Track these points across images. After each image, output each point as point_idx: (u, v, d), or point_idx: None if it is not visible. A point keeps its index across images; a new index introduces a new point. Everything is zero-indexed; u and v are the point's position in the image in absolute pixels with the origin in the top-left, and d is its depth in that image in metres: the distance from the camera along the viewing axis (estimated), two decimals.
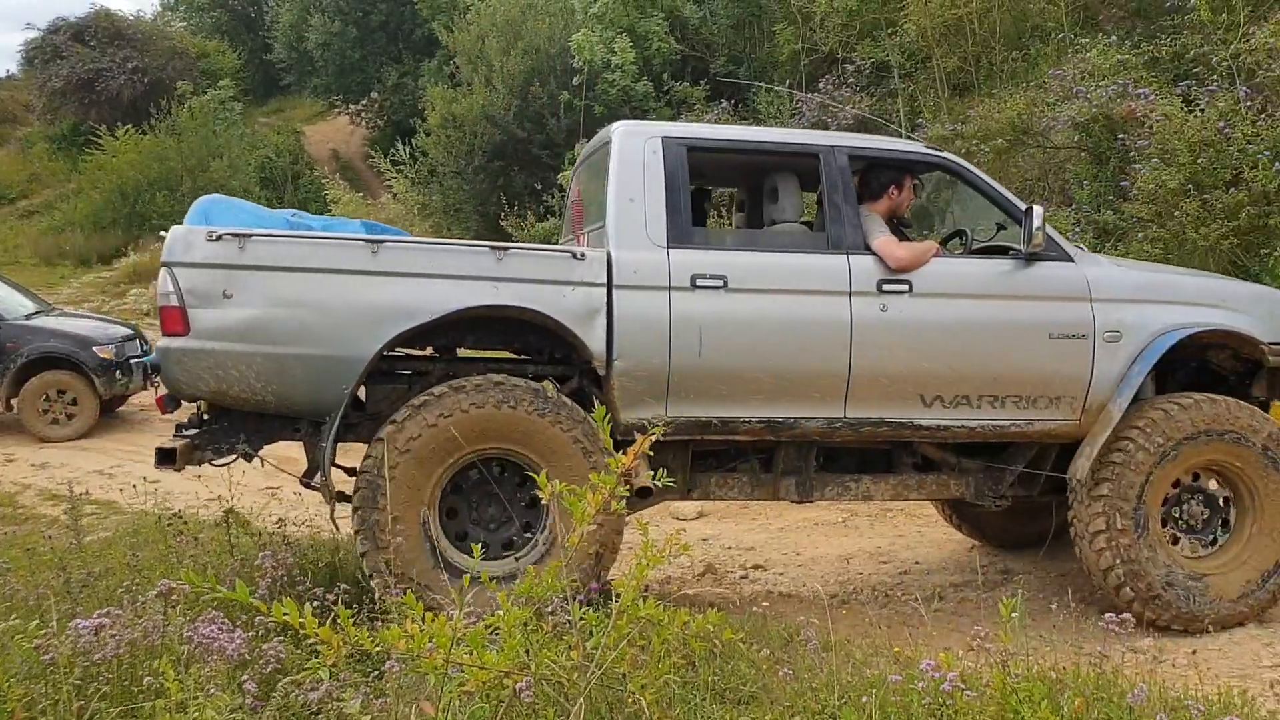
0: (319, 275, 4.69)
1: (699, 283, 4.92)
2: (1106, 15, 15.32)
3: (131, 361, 12.35)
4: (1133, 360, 5.22)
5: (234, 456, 5.01)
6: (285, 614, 2.78)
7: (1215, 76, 12.60)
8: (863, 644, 4.43)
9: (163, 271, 4.65)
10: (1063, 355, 5.20)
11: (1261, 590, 5.23)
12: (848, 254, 5.12)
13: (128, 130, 25.66)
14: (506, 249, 4.88)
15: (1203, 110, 12.10)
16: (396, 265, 4.74)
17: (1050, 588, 5.93)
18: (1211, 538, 5.42)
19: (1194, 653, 4.61)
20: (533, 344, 5.16)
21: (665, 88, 19.92)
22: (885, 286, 5.07)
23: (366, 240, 4.83)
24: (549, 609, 3.32)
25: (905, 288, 5.09)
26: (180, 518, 5.96)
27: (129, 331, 13.12)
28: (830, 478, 5.48)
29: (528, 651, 3.00)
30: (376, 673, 3.46)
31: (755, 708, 3.41)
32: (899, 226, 5.64)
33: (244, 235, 4.65)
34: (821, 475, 5.46)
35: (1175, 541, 5.35)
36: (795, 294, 5.03)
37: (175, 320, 4.61)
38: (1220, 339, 5.49)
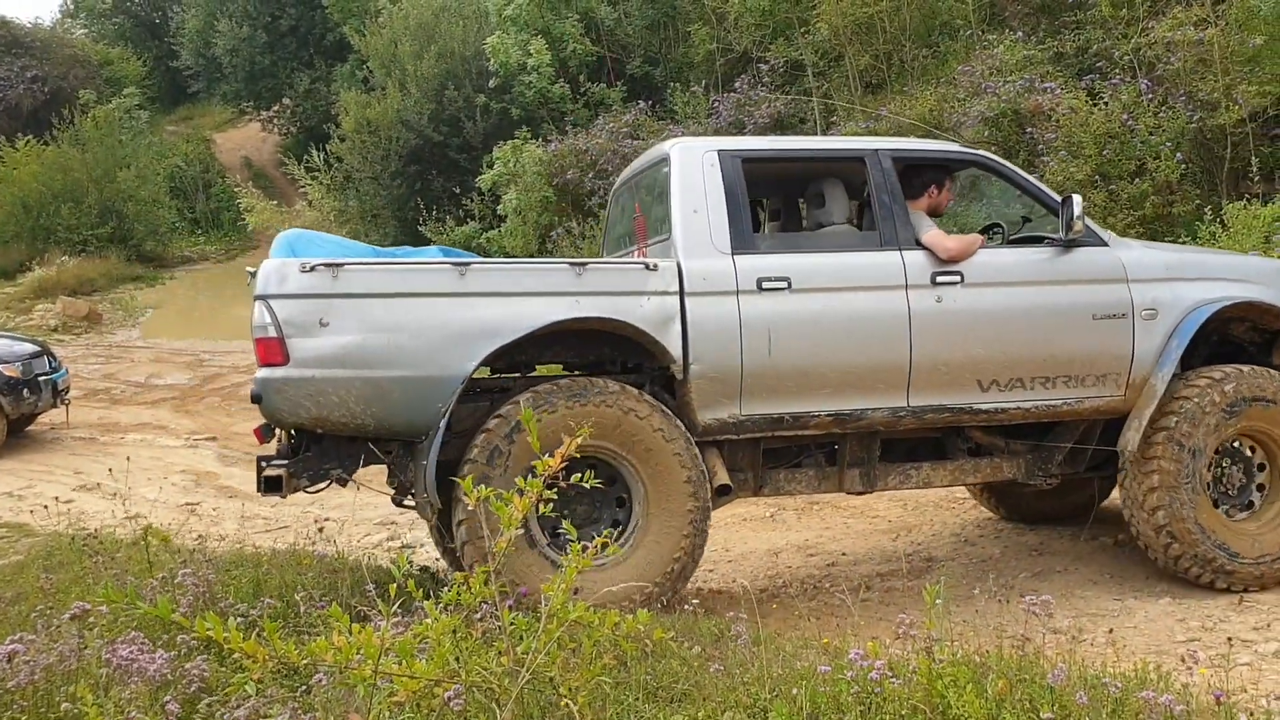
0: (411, 299, 4.84)
1: (765, 285, 5.12)
2: (1012, 12, 15.65)
3: (40, 379, 11.98)
4: (1170, 335, 5.49)
5: (328, 482, 5.10)
6: (209, 629, 2.73)
7: (1117, 70, 12.97)
8: (792, 637, 4.47)
9: (258, 305, 4.73)
10: (1106, 335, 5.46)
11: None
12: (900, 250, 5.33)
13: (28, 141, 24.93)
14: (585, 264, 5.05)
15: (1106, 103, 12.44)
16: (483, 286, 4.91)
17: (973, 573, 6.05)
18: (1248, 501, 5.66)
19: (1111, 631, 4.73)
20: (605, 356, 5.32)
21: (582, 89, 19.91)
22: (939, 279, 5.30)
23: (453, 263, 4.98)
24: (478, 616, 3.30)
25: (957, 279, 5.31)
26: (96, 537, 5.81)
27: (36, 348, 12.68)
28: (891, 467, 5.65)
29: (457, 659, 2.98)
30: (305, 687, 3.40)
31: (688, 705, 3.42)
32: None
33: (337, 265, 4.77)
34: (884, 465, 5.62)
35: (1216, 505, 5.57)
36: (855, 291, 5.24)
37: (274, 351, 4.70)
38: (1244, 311, 5.76)
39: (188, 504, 8.72)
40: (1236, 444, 5.63)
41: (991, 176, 6.00)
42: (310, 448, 5.06)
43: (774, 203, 6.40)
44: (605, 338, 5.15)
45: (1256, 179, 11.43)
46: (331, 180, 23.08)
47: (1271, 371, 5.63)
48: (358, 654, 2.82)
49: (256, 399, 4.83)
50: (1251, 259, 6.51)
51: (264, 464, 5.14)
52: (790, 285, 5.13)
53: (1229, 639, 3.76)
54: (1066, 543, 6.58)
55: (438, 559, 7.04)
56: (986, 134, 12.52)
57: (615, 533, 4.98)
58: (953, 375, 5.29)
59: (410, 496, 5.28)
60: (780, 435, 5.32)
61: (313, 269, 4.74)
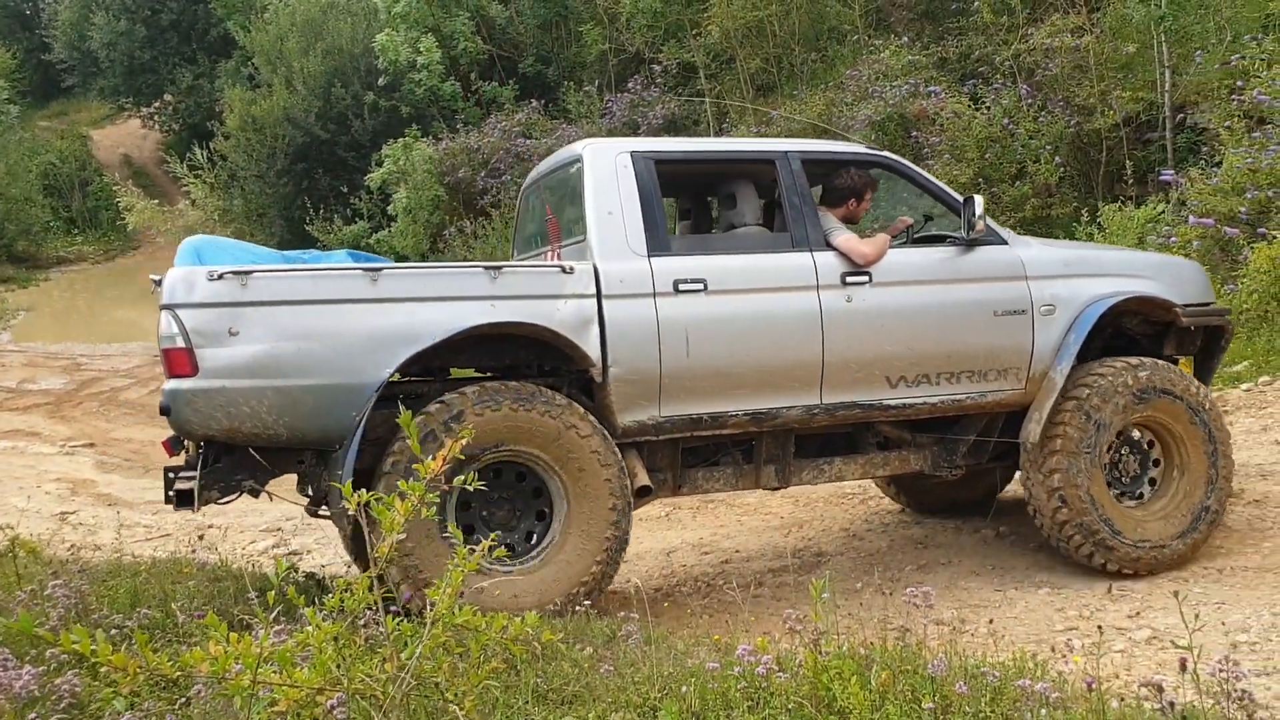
0: (322, 306, 4.73)
1: (681, 287, 5.14)
2: (898, 18, 15.98)
3: None
4: (1068, 330, 5.68)
5: (239, 493, 4.95)
6: (75, 642, 2.61)
7: (999, 75, 13.35)
8: (684, 635, 4.49)
9: (164, 315, 4.58)
10: (1007, 330, 5.61)
11: (1189, 536, 5.65)
12: (811, 251, 5.40)
13: None
14: (500, 268, 4.97)
15: (988, 108, 12.80)
16: (396, 291, 4.82)
17: (861, 567, 6.15)
18: (1138, 492, 5.86)
19: (991, 622, 4.85)
20: (521, 359, 5.26)
21: (474, 87, 19.75)
22: (849, 279, 5.39)
23: (365, 269, 4.89)
24: (362, 622, 3.23)
25: (866, 279, 5.42)
26: None
27: None
28: (806, 463, 5.73)
29: (339, 666, 2.91)
30: (184, 699, 3.29)
31: (578, 706, 3.40)
32: None
33: (245, 272, 4.66)
34: (798, 461, 5.70)
35: (1109, 488, 5.74)
36: (769, 292, 5.30)
37: (182, 362, 4.57)
38: (1137, 305, 5.96)
39: (62, 513, 8.39)
40: (1136, 435, 5.84)
41: (895, 177, 6.11)
42: (221, 459, 4.92)
43: (684, 203, 6.43)
44: (521, 341, 5.12)
45: (1130, 182, 11.87)
46: (216, 179, 22.50)
47: (1167, 364, 5.86)
48: (236, 664, 2.74)
49: (166, 411, 4.68)
50: (1143, 254, 6.78)
51: (171, 476, 5.01)
52: (706, 287, 5.17)
53: (1099, 627, 3.88)
54: (951, 535, 6.74)
55: (324, 565, 6.91)
56: (874, 138, 12.75)
57: (539, 535, 5.00)
58: (863, 373, 5.40)
59: (325, 506, 5.18)
60: (699, 435, 5.36)
61: (221, 277, 4.60)
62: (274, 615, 4.05)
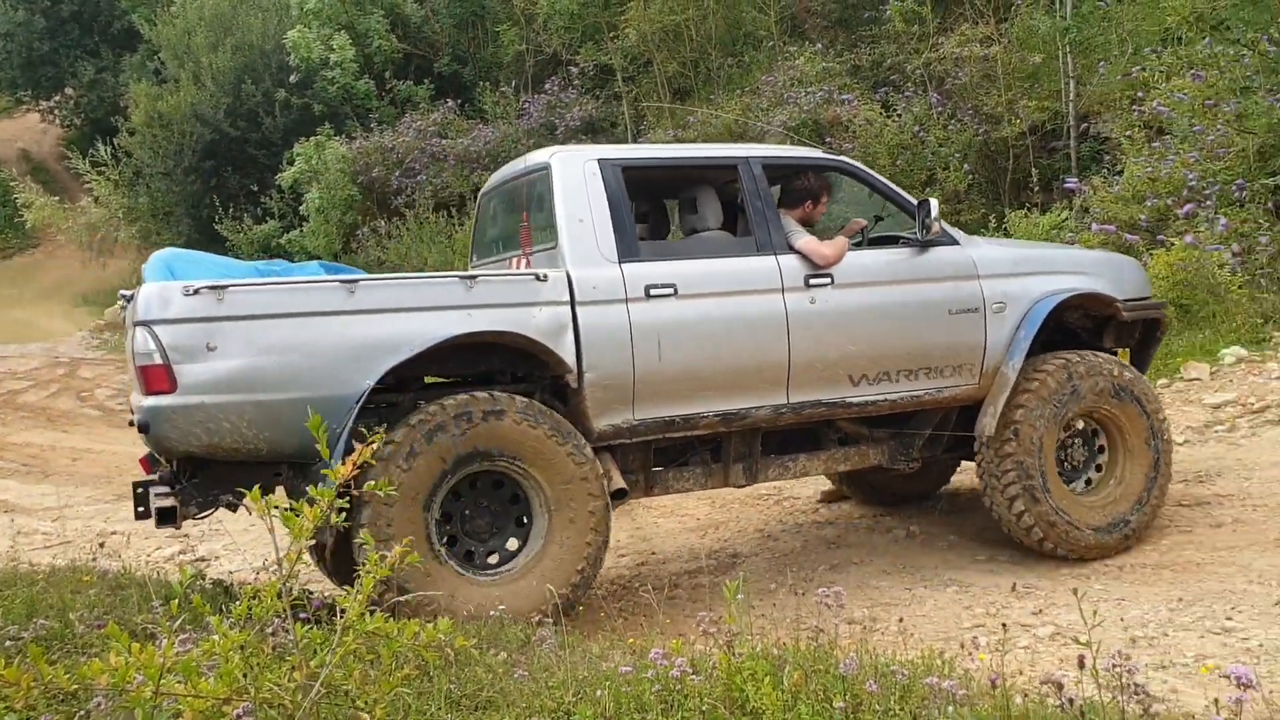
0: (301, 319, 4.71)
1: (653, 292, 5.20)
2: (812, 25, 16.19)
3: None
4: (1018, 326, 5.88)
5: (216, 508, 4.89)
6: None
7: (910, 84, 13.60)
8: (600, 639, 4.48)
9: (139, 331, 4.52)
10: (962, 328, 5.79)
11: (1130, 523, 5.88)
12: (775, 255, 5.50)
13: None
14: (475, 277, 4.99)
15: (900, 115, 13.04)
16: (374, 302, 4.82)
17: (775, 568, 6.20)
18: (1088, 479, 6.09)
19: (901, 620, 4.93)
20: (495, 366, 5.26)
21: (388, 86, 19.53)
22: (812, 281, 5.51)
23: (343, 281, 4.88)
24: (270, 630, 3.17)
25: (828, 280, 5.54)
26: None
27: None
28: (772, 460, 5.84)
29: (246, 675, 2.84)
30: (83, 713, 3.19)
31: (492, 712, 3.37)
32: None
33: (222, 287, 4.61)
34: (764, 459, 5.80)
35: (1060, 474, 5.94)
36: (737, 295, 5.38)
37: (160, 378, 4.51)
38: (1079, 301, 6.16)
39: None
40: (1081, 425, 6.05)
41: (852, 180, 6.29)
42: (197, 474, 4.84)
43: (641, 207, 6.48)
44: (495, 348, 5.13)
45: (1036, 189, 12.19)
46: (120, 176, 21.91)
47: (1111, 357, 6.12)
48: (137, 675, 2.66)
49: (144, 428, 4.60)
50: (1084, 251, 7.09)
51: (140, 490, 4.96)
52: (677, 291, 5.25)
53: (1003, 625, 3.97)
54: (863, 535, 6.84)
55: (232, 572, 6.76)
56: (789, 143, 12.91)
57: (520, 544, 5.03)
58: (828, 372, 5.52)
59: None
60: (670, 437, 5.44)
61: (197, 291, 4.56)
62: (180, 624, 3.96)
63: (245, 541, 7.35)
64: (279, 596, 2.99)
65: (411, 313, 4.85)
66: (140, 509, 4.96)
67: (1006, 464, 5.74)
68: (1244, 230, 9.42)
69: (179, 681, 2.74)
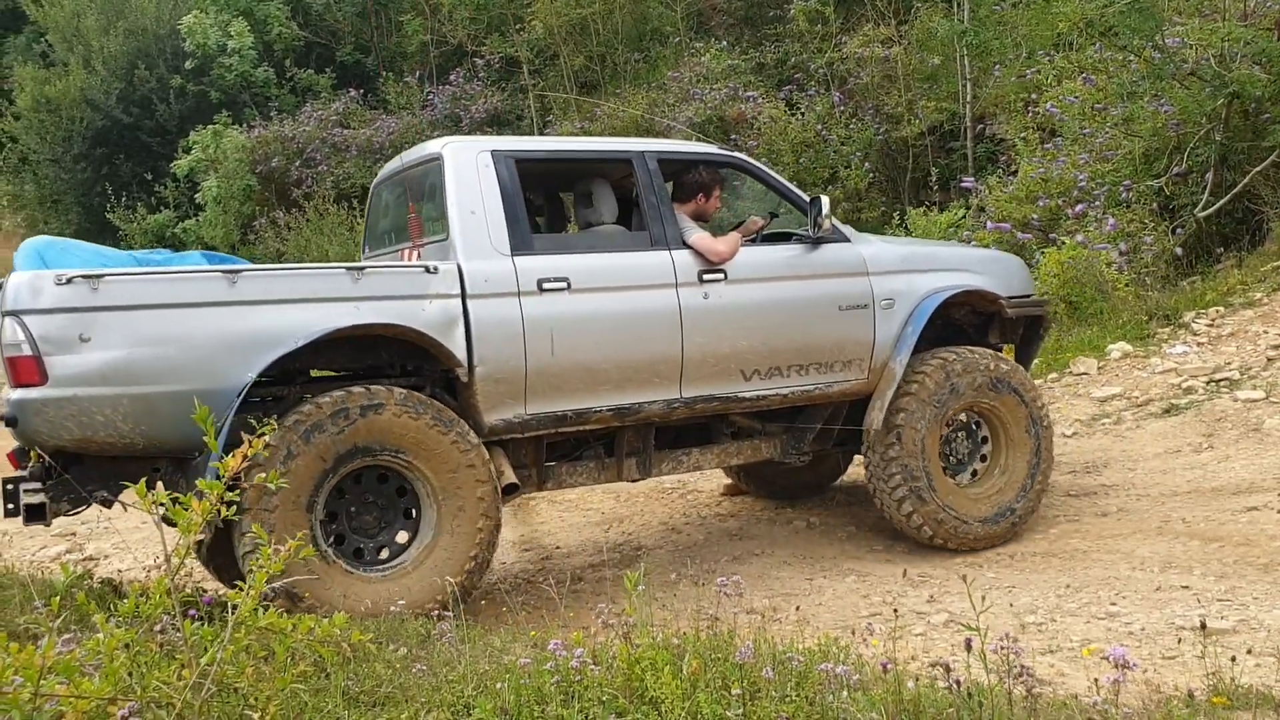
0: (180, 310, 4.57)
1: (545, 286, 5.17)
2: (718, 22, 16.32)
3: None
4: (905, 323, 5.98)
5: (89, 505, 4.70)
6: None
7: (813, 83, 13.80)
8: (503, 632, 4.46)
9: (8, 321, 4.37)
10: (851, 324, 5.88)
11: (1016, 510, 6.07)
12: (669, 250, 5.52)
13: None
14: (362, 269, 4.91)
15: (803, 114, 13.22)
16: (257, 293, 4.70)
17: (678, 560, 6.24)
18: (972, 471, 6.24)
19: (798, 609, 5.00)
20: (382, 359, 5.18)
21: (289, 74, 19.14)
22: (705, 276, 5.54)
23: (224, 271, 4.74)
24: (159, 628, 3.09)
25: (721, 276, 5.58)
26: None
27: None
28: (665, 454, 5.88)
29: (132, 674, 2.77)
30: None
31: (390, 708, 3.33)
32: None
33: (96, 276, 4.45)
34: (658, 453, 5.83)
35: (945, 471, 6.09)
36: (630, 290, 5.40)
37: (30, 370, 4.37)
38: (966, 298, 6.29)
39: None
40: (964, 418, 6.20)
41: (745, 176, 6.34)
42: (68, 469, 4.66)
43: (535, 199, 6.44)
44: (384, 341, 5.06)
45: (935, 188, 12.48)
46: (4, 162, 21.09)
47: (995, 353, 6.29)
48: (16, 676, 2.57)
49: (11, 422, 4.44)
50: (971, 250, 7.28)
51: (11, 488, 4.75)
52: (570, 285, 5.23)
53: (895, 610, 4.06)
54: (765, 527, 6.92)
55: (120, 571, 6.58)
56: (694, 139, 12.98)
57: (409, 538, 4.96)
58: (720, 366, 5.56)
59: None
60: (563, 431, 5.43)
61: (69, 281, 4.41)
62: (65, 623, 3.84)
63: (135, 540, 7.15)
64: (168, 593, 2.91)
65: (296, 304, 4.75)
66: (9, 506, 4.76)
67: (892, 467, 5.85)
68: (1130, 230, 9.76)
69: (61, 683, 2.66)
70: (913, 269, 6.15)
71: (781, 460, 6.28)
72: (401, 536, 4.98)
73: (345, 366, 5.22)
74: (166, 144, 18.54)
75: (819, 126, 12.90)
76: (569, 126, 15.00)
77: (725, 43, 15.21)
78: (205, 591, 4.76)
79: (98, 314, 4.43)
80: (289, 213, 16.05)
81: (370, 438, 4.74)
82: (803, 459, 6.32)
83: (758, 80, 14.44)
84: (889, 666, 2.98)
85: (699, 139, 12.89)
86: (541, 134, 16.08)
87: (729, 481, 7.70)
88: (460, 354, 4.99)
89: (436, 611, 4.24)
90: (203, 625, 2.97)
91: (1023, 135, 11.32)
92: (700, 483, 7.99)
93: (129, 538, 7.18)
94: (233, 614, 2.88)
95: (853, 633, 3.88)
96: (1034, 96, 11.43)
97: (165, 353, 4.52)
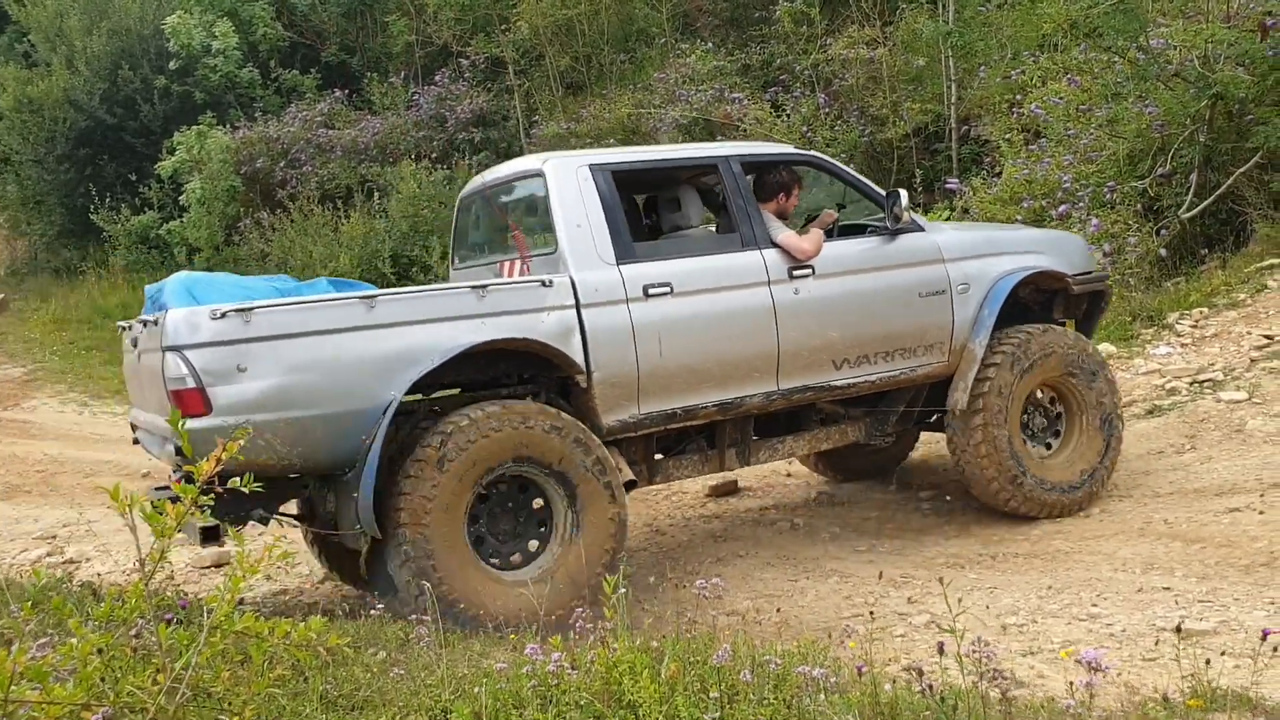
0: (325, 336, 4.82)
1: (650, 292, 5.42)
2: (704, 23, 16.30)
3: None
4: (981, 305, 6.27)
5: (248, 523, 4.92)
6: None
7: (799, 84, 13.80)
8: (481, 636, 4.45)
9: (171, 356, 4.61)
10: (931, 310, 6.16)
11: (1090, 481, 6.37)
12: (760, 249, 5.75)
13: None
14: (485, 286, 5.12)
15: (789, 115, 13.21)
16: (392, 316, 4.94)
17: (663, 561, 6.24)
18: (1048, 443, 6.53)
19: (779, 611, 5.01)
20: (501, 370, 5.42)
21: (273, 75, 19.06)
22: (795, 273, 5.79)
23: (362, 297, 4.99)
24: (134, 632, 3.07)
25: (810, 272, 5.82)
26: None
27: None
28: (761, 443, 6.15)
29: (105, 679, 2.75)
30: None
31: (369, 712, 3.32)
32: None
33: (248, 309, 4.71)
34: (755, 443, 6.10)
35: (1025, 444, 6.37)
36: (728, 290, 5.63)
37: (195, 401, 4.60)
38: (1034, 278, 6.54)
39: None
40: (1040, 394, 6.44)
41: (822, 174, 6.58)
42: (226, 490, 4.71)
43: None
44: (504, 353, 5.27)
45: (920, 189, 12.46)
46: None
47: (1065, 329, 6.58)
48: None
49: (179, 453, 4.47)
50: (1036, 232, 7.59)
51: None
52: (673, 289, 5.46)
53: (870, 612, 4.06)
54: (749, 529, 6.92)
55: (100, 574, 6.54)
56: (680, 140, 12.97)
57: (541, 544, 5.16)
58: (813, 358, 5.82)
59: (332, 528, 5.21)
60: (672, 428, 5.66)
61: (224, 315, 4.66)
62: (42, 628, 3.81)
63: (117, 543, 7.11)
64: (144, 597, 2.89)
65: (430, 324, 4.99)
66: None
67: (976, 434, 6.13)
68: (1114, 231, 9.78)
69: (33, 688, 2.63)
70: (985, 253, 6.43)
71: (866, 442, 6.55)
72: (532, 544, 5.17)
73: (468, 380, 5.41)
74: (150, 145, 18.43)
75: (804, 128, 12.89)
76: (555, 127, 14.98)
77: (711, 44, 15.20)
78: (185, 595, 4.75)
79: (251, 345, 4.67)
80: (273, 214, 15.97)
81: (521, 449, 4.99)
82: (886, 440, 6.62)
83: (743, 82, 14.43)
84: (864, 670, 2.97)
85: (685, 140, 12.89)
86: (528, 134, 16.07)
87: (715, 482, 7.70)
88: (579, 361, 5.24)
89: (581, 608, 4.21)
90: (179, 629, 2.95)
91: (1007, 136, 11.33)
92: (685, 483, 7.98)
93: (110, 541, 7.15)
94: (208, 618, 2.86)
95: (829, 635, 3.87)
96: (1019, 98, 11.44)
97: (315, 378, 4.77)
